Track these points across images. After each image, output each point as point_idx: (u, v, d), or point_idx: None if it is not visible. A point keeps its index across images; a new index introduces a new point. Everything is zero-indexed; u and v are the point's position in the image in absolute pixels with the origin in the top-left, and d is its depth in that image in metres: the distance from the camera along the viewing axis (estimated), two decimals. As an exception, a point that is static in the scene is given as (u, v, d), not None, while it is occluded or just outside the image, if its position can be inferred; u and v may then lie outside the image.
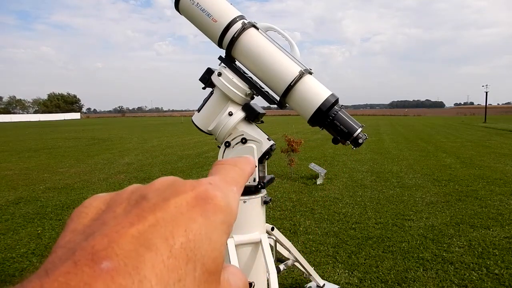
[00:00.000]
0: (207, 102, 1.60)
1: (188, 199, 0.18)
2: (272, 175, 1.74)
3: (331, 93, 1.52)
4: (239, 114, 1.56)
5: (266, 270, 1.58)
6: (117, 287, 0.15)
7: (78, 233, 0.18)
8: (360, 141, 1.51)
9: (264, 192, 1.63)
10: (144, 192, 0.19)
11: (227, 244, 1.51)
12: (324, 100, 1.49)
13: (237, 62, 1.62)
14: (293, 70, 1.50)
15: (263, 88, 1.61)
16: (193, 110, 1.72)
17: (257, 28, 1.56)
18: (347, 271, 2.81)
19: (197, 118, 1.61)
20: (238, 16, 1.54)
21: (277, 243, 2.01)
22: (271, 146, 1.58)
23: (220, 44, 1.58)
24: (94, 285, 0.15)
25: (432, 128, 21.64)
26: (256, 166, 1.56)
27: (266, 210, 1.70)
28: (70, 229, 0.18)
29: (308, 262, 2.34)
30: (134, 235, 0.16)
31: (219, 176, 0.22)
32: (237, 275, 0.21)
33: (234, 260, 1.48)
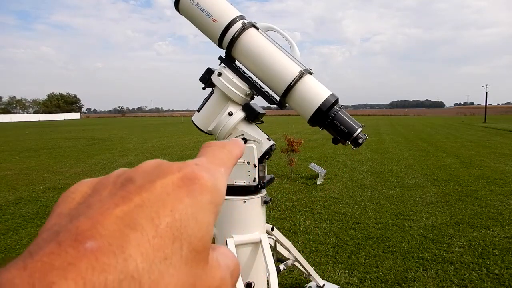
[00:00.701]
0: (207, 102, 1.60)
1: (174, 180, 0.18)
2: (272, 175, 1.74)
3: (331, 93, 1.52)
4: (239, 114, 1.56)
5: (266, 270, 1.58)
6: (102, 266, 0.15)
7: (64, 216, 0.18)
8: (360, 141, 1.51)
9: (264, 192, 1.63)
10: (130, 175, 0.19)
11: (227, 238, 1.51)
12: (324, 100, 1.49)
13: (237, 62, 1.62)
14: (293, 70, 1.50)
15: (263, 88, 1.61)
16: (193, 110, 1.72)
17: (257, 28, 1.56)
18: (347, 271, 2.81)
19: (197, 118, 1.61)
20: (238, 16, 1.54)
21: (277, 243, 2.01)
22: (271, 146, 1.58)
23: (220, 44, 1.58)
24: (78, 265, 0.15)
25: (432, 128, 21.65)
26: (254, 159, 1.56)
27: (266, 210, 1.70)
28: (56, 213, 0.18)
29: (308, 262, 2.34)
30: (119, 215, 0.16)
31: (206, 158, 0.22)
32: (227, 255, 0.22)
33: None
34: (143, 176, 0.19)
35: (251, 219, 1.60)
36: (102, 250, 0.15)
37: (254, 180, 1.56)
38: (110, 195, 0.18)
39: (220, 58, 1.60)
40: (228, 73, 1.55)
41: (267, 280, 1.57)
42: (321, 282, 2.47)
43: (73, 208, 0.18)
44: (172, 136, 16.97)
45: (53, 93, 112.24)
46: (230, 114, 1.55)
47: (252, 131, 1.57)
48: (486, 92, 33.21)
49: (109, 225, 0.16)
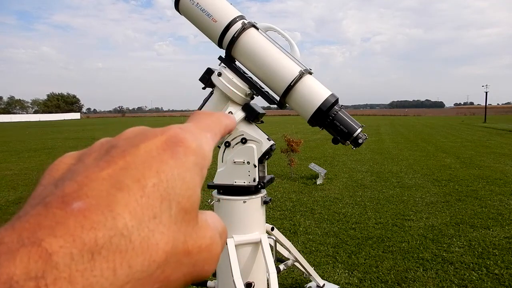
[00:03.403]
0: (207, 102, 1.61)
1: (157, 143, 0.19)
2: (272, 175, 1.74)
3: (331, 93, 1.52)
4: (239, 114, 1.56)
5: (266, 270, 1.58)
6: (90, 224, 0.15)
7: (49, 185, 0.18)
8: (360, 141, 1.51)
9: (264, 192, 1.63)
10: (114, 142, 0.19)
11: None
12: (324, 100, 1.49)
13: (237, 62, 1.62)
14: (293, 70, 1.50)
15: (263, 88, 1.61)
16: (193, 110, 1.71)
17: (257, 28, 1.56)
18: (347, 271, 2.81)
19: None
20: (238, 16, 1.54)
21: (277, 243, 2.00)
22: (271, 146, 1.58)
23: (220, 44, 1.58)
24: (67, 223, 0.15)
25: (432, 128, 21.65)
26: (254, 159, 1.56)
27: (266, 210, 1.70)
28: (41, 184, 0.19)
29: (308, 262, 2.34)
30: (105, 178, 0.17)
31: (192, 123, 0.22)
32: (215, 217, 0.22)
33: (234, 260, 1.48)
34: (126, 142, 0.19)
35: (251, 219, 1.60)
36: (90, 210, 0.15)
37: (254, 180, 1.56)
38: (95, 161, 0.18)
39: (220, 58, 1.60)
40: (228, 73, 1.55)
41: (267, 280, 1.57)
42: (321, 282, 2.46)
43: (58, 177, 0.18)
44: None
45: (53, 93, 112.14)
46: (230, 114, 1.55)
47: (252, 131, 1.57)
48: (486, 92, 33.19)
49: (95, 187, 0.16)
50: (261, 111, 1.61)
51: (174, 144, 0.19)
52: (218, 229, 0.21)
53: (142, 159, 0.18)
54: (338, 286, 2.55)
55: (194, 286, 2.14)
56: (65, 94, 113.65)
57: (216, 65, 1.62)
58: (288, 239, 2.14)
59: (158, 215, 0.17)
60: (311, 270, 2.36)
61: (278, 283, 1.55)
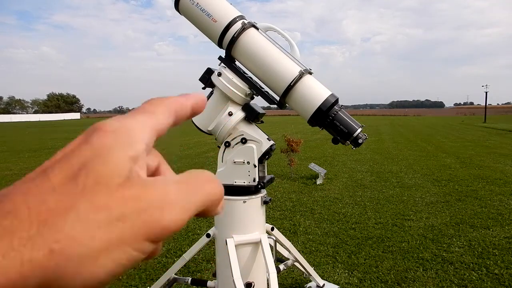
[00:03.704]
0: (207, 102, 1.60)
1: (80, 138, 0.21)
2: (272, 175, 1.74)
3: (331, 93, 1.52)
4: (239, 114, 1.56)
5: (266, 270, 1.58)
6: None
7: None
8: (360, 141, 1.51)
9: (264, 192, 1.63)
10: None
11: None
12: (324, 100, 1.49)
13: (237, 62, 1.62)
14: (293, 70, 1.50)
15: (263, 88, 1.61)
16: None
17: (257, 28, 1.56)
18: (347, 271, 2.81)
19: (196, 118, 1.61)
20: (238, 16, 1.54)
21: (277, 243, 2.00)
22: (271, 146, 1.58)
23: (220, 44, 1.58)
24: None
25: (432, 128, 21.64)
26: (254, 159, 1.56)
27: (266, 210, 1.70)
28: None
29: (308, 262, 2.34)
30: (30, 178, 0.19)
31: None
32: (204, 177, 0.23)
33: (234, 260, 1.48)
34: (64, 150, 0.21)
35: (251, 219, 1.60)
36: None
37: (254, 180, 1.56)
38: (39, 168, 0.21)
39: (220, 58, 1.60)
40: (228, 73, 1.55)
41: (267, 280, 1.57)
42: (321, 282, 2.46)
43: None
44: (172, 136, 16.97)
45: (53, 93, 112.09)
46: (230, 114, 1.55)
47: (252, 131, 1.57)
48: (486, 92, 33.21)
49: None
50: (261, 111, 1.61)
51: (91, 131, 0.20)
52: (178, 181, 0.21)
53: (61, 156, 0.20)
54: (338, 286, 2.55)
55: (194, 286, 2.14)
56: (65, 94, 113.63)
57: (216, 65, 1.62)
58: (288, 239, 2.14)
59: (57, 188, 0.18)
60: (311, 270, 2.36)
61: (278, 283, 1.55)
